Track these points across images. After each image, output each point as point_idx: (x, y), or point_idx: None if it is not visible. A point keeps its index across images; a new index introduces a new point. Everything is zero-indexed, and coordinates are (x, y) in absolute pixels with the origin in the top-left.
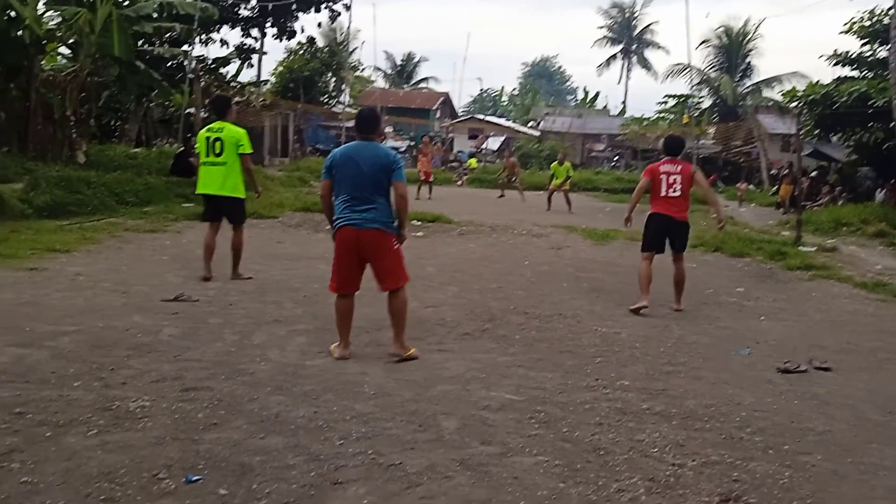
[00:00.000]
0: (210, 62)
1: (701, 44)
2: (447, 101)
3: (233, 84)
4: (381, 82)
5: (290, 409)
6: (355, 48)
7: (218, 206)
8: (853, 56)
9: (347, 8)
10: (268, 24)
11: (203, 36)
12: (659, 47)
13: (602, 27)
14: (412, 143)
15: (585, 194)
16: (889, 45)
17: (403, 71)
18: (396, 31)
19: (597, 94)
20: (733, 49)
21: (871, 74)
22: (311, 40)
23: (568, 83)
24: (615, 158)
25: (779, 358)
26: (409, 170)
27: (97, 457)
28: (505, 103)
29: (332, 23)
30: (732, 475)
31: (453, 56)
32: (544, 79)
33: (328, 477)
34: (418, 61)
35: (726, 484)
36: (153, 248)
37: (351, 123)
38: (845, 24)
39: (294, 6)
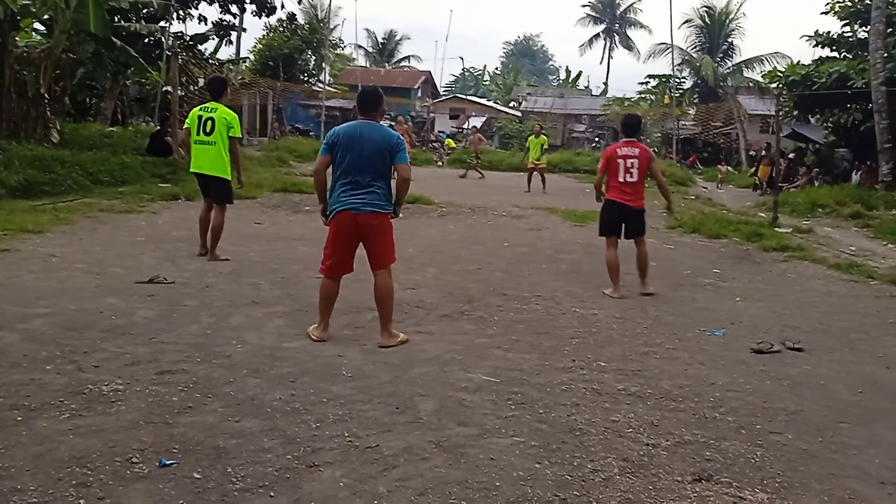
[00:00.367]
0: (188, 39)
1: (683, 23)
2: (429, 81)
3: (211, 61)
4: (361, 60)
5: (266, 392)
6: (336, 25)
7: (206, 184)
8: (834, 37)
9: None
10: (247, 0)
11: (181, 12)
12: (642, 27)
13: (585, 5)
14: (391, 124)
15: (565, 175)
16: (869, 27)
17: (385, 49)
18: (378, 9)
19: (579, 74)
20: (715, 29)
21: (850, 56)
22: (292, 17)
23: (550, 62)
24: (596, 139)
25: (753, 338)
26: None
27: (69, 441)
28: (487, 83)
29: None
30: (705, 454)
31: (435, 34)
32: (527, 58)
33: (304, 460)
34: (400, 39)
35: (699, 463)
36: (128, 228)
37: (331, 102)
38: (826, 4)
39: None
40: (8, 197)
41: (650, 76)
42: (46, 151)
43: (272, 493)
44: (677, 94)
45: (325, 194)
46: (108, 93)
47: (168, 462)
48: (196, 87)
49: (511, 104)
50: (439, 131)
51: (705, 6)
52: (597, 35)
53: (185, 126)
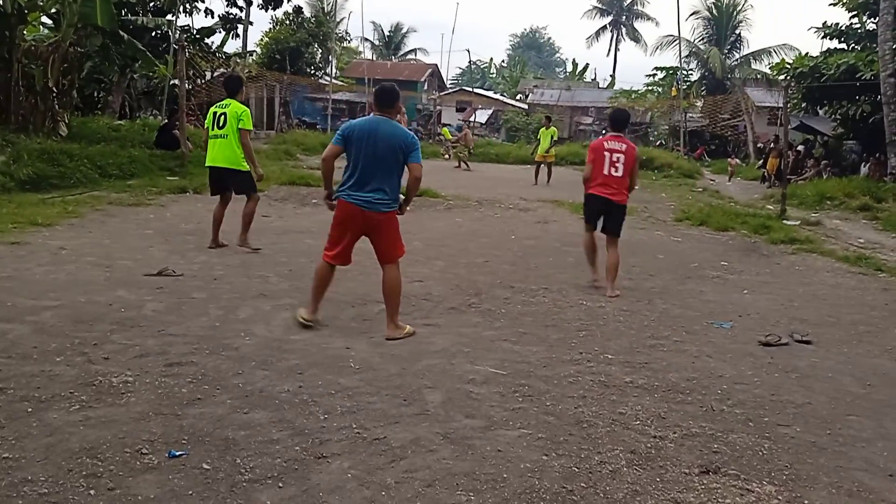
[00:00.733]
0: (195, 32)
1: (691, 15)
2: (435, 73)
3: (218, 55)
4: (368, 54)
5: (274, 384)
6: (342, 18)
7: (221, 178)
8: (842, 28)
9: None
10: None
11: (187, 5)
12: (649, 19)
13: None
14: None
15: (573, 168)
16: (878, 18)
17: (391, 42)
18: (384, 2)
19: (586, 66)
20: (723, 21)
21: (859, 47)
22: (298, 10)
23: (557, 55)
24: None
25: (761, 331)
26: None
27: (79, 432)
28: (493, 76)
29: None
30: (713, 447)
31: (442, 27)
32: (533, 50)
33: (312, 451)
34: (406, 32)
35: (706, 455)
36: (137, 221)
37: (337, 95)
38: None
39: None
40: (17, 190)
41: (657, 68)
42: (55, 145)
43: (280, 484)
44: (684, 87)
45: (331, 181)
46: (115, 86)
47: (177, 453)
48: (203, 81)
49: (518, 97)
50: (446, 124)
51: None
52: (604, 27)
53: (206, 126)
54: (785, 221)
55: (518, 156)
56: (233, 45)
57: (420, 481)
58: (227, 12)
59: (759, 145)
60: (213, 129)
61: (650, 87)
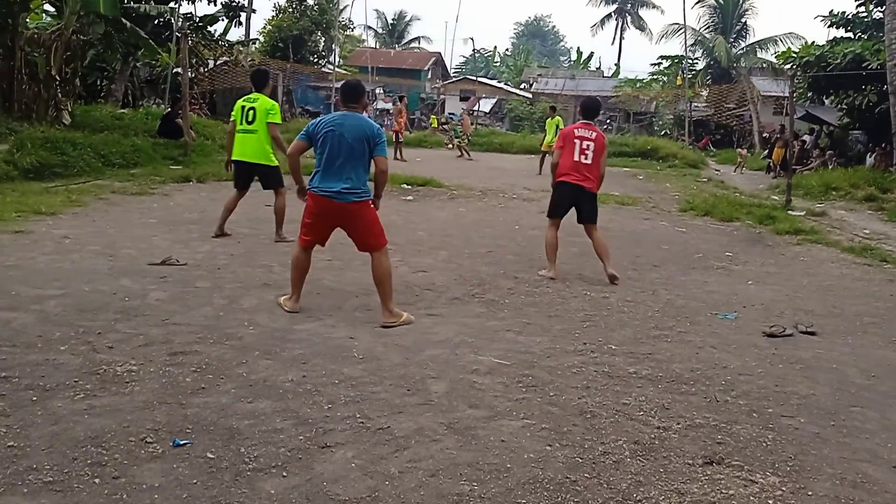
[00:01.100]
0: (197, 20)
1: (696, 3)
2: (439, 62)
3: (221, 43)
4: (371, 42)
5: (278, 374)
6: (345, 6)
7: (249, 173)
8: (848, 17)
9: None
10: None
11: None
12: (654, 6)
13: None
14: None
15: None
16: (885, 6)
17: (394, 30)
18: None
19: (590, 55)
20: (728, 9)
21: (865, 36)
22: None
23: (562, 43)
24: (607, 121)
25: (765, 322)
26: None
27: (84, 421)
28: (497, 64)
29: None
30: (716, 438)
31: (445, 15)
32: (537, 39)
33: (316, 441)
34: (410, 20)
35: (710, 446)
36: (140, 210)
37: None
38: None
39: None
40: (21, 179)
41: (662, 57)
42: (58, 133)
43: (285, 473)
44: (690, 76)
45: (300, 176)
46: (118, 74)
47: (182, 442)
48: (206, 69)
49: (522, 86)
50: (450, 113)
51: None
52: (608, 15)
53: (231, 119)
54: (790, 212)
55: (522, 145)
56: (235, 34)
57: (424, 471)
58: (229, 0)
59: (764, 135)
60: (241, 123)
61: (655, 76)
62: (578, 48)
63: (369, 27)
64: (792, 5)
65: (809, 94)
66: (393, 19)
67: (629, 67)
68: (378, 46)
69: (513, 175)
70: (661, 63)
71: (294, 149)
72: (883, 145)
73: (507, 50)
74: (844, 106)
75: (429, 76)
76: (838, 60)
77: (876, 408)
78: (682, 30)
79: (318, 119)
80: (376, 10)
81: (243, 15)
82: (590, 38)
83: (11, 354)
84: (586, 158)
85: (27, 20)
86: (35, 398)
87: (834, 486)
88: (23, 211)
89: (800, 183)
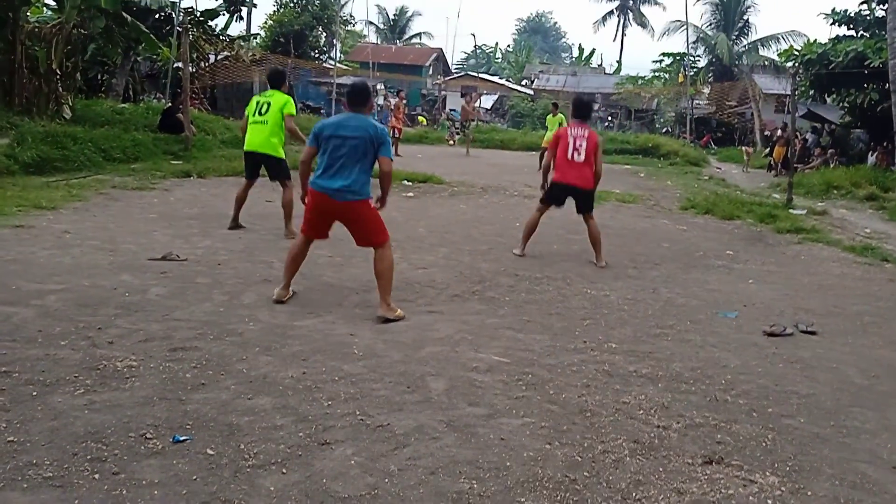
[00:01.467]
0: (198, 14)
1: (698, 0)
2: (440, 58)
3: (222, 38)
4: (372, 37)
5: (278, 370)
6: (347, 1)
7: (257, 163)
8: (851, 15)
9: None
10: None
11: None
12: (656, 3)
13: None
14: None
15: None
16: (887, 5)
17: (396, 26)
18: None
19: (592, 52)
20: (731, 6)
21: (868, 34)
22: None
23: (563, 40)
24: (609, 118)
25: (766, 321)
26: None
27: (84, 416)
28: (499, 60)
29: None
30: (716, 437)
31: (447, 11)
32: (539, 35)
33: (316, 437)
34: (411, 16)
35: (710, 446)
36: (141, 205)
37: (342, 79)
38: None
39: None
40: (21, 173)
41: (664, 54)
42: (59, 128)
43: (284, 470)
44: (691, 73)
45: (307, 182)
46: (119, 69)
47: (182, 438)
48: (207, 64)
49: (523, 82)
50: (451, 109)
51: None
52: (610, 12)
53: (245, 115)
54: (791, 210)
55: (523, 142)
56: (237, 28)
57: (423, 468)
58: None
59: (766, 133)
60: (254, 115)
61: (657, 74)
62: (580, 45)
63: (371, 22)
64: (794, 3)
65: (811, 92)
66: (394, 15)
67: (631, 64)
68: (379, 42)
69: (514, 172)
70: (662, 60)
71: (305, 155)
72: (885, 144)
73: (508, 46)
74: (846, 104)
75: (430, 72)
76: (840, 58)
77: (876, 408)
78: (685, 27)
79: (324, 121)
80: (378, 6)
81: (244, 10)
82: (592, 35)
83: (11, 349)
84: (579, 156)
85: (28, 14)
86: (35, 393)
87: (833, 486)
88: (23, 205)
89: (801, 181)
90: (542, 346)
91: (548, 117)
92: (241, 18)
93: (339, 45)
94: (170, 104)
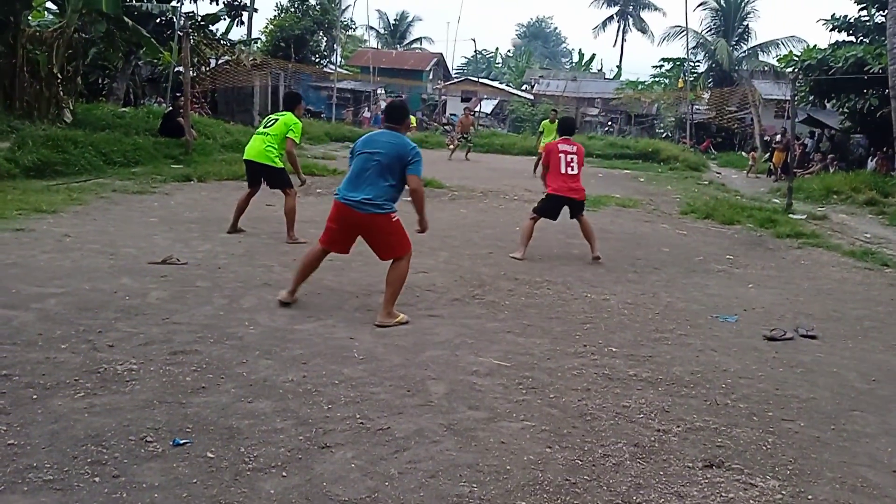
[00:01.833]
0: (199, 19)
1: (698, 6)
2: (441, 63)
3: (222, 42)
4: (373, 42)
5: (278, 374)
6: (347, 6)
7: (255, 172)
8: (851, 21)
9: None
10: None
11: None
12: (656, 9)
13: None
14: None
15: None
16: (887, 11)
17: (396, 31)
18: None
19: (592, 57)
20: (731, 12)
21: (867, 40)
22: None
23: (563, 45)
24: (609, 123)
25: (766, 325)
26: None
27: (84, 419)
28: (499, 65)
29: None
30: (716, 441)
31: (447, 16)
32: (539, 40)
33: (316, 441)
34: (412, 21)
35: (710, 450)
36: (141, 209)
37: (342, 84)
38: None
39: None
40: (22, 177)
41: (664, 59)
42: (59, 132)
43: (284, 474)
44: (691, 78)
45: None
46: (120, 73)
47: (182, 441)
48: (207, 68)
49: (523, 87)
50: (451, 114)
51: None
52: (610, 17)
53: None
54: (791, 215)
55: (523, 146)
56: (237, 33)
57: (423, 472)
58: None
59: (765, 138)
60: (261, 127)
61: (657, 79)
62: (580, 50)
63: (371, 27)
64: (794, 9)
65: (811, 98)
66: (395, 20)
67: (631, 69)
68: (380, 47)
69: (514, 176)
70: (662, 65)
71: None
72: (884, 149)
73: (508, 51)
74: (846, 110)
75: (430, 77)
76: (840, 64)
77: (876, 412)
78: (684, 32)
79: (361, 138)
80: (378, 11)
81: (245, 14)
82: (592, 40)
83: (12, 352)
84: (572, 170)
85: (29, 18)
86: (35, 396)
87: (834, 490)
88: (24, 209)
89: (801, 186)
90: (543, 350)
91: (545, 122)
92: (242, 23)
93: (339, 50)
94: (170, 108)
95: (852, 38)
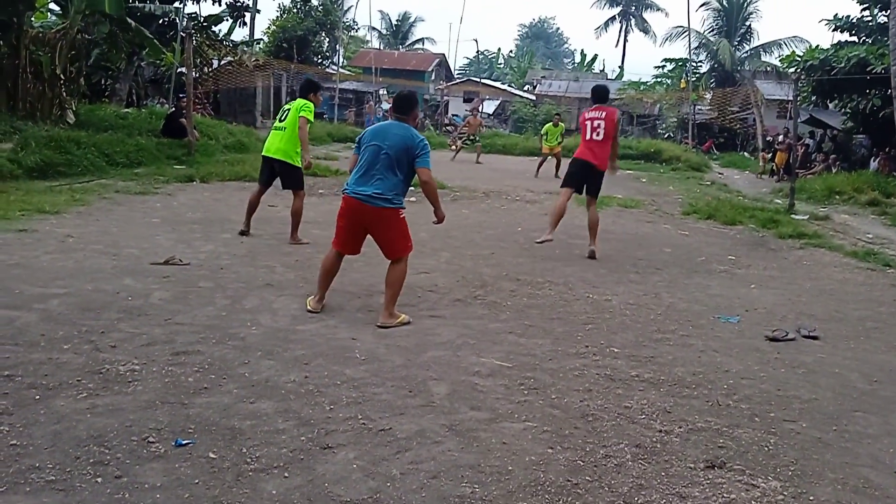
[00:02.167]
0: (202, 20)
1: (701, 6)
2: (443, 63)
3: (225, 43)
4: (375, 43)
5: (280, 374)
6: (350, 7)
7: (272, 169)
8: (853, 21)
9: None
10: None
11: None
12: (658, 9)
13: None
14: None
15: None
16: (889, 11)
17: (399, 31)
18: None
19: (594, 57)
20: (733, 12)
21: (870, 40)
22: None
23: (565, 45)
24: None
25: (768, 326)
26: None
27: (86, 420)
28: (501, 66)
29: None
30: (718, 442)
31: (450, 16)
32: (541, 41)
33: (318, 441)
34: (414, 22)
35: (712, 450)
36: (144, 210)
37: (344, 85)
38: None
39: None
40: (25, 177)
41: (666, 60)
42: (62, 132)
43: (286, 474)
44: (694, 79)
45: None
46: (122, 74)
47: (184, 442)
48: (210, 69)
49: (525, 88)
50: (453, 114)
51: None
52: (612, 18)
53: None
54: (793, 216)
55: (525, 147)
56: (240, 34)
57: (425, 473)
58: (234, 0)
59: (768, 139)
60: (274, 121)
61: (659, 79)
62: (582, 50)
63: (373, 28)
64: (796, 9)
65: (813, 98)
66: (397, 20)
67: (633, 70)
68: (382, 47)
69: (515, 177)
70: (664, 66)
71: (351, 163)
72: (887, 149)
73: (510, 52)
74: (848, 110)
75: (432, 77)
76: (842, 64)
77: (878, 413)
78: (687, 33)
79: (367, 129)
80: (380, 11)
81: (248, 15)
82: (594, 41)
83: (14, 353)
84: (598, 136)
85: (32, 19)
86: (38, 397)
87: (836, 491)
88: (27, 209)
89: (803, 187)
90: (544, 351)
91: (548, 126)
92: (245, 24)
93: (341, 51)
94: (173, 109)
95: (855, 39)
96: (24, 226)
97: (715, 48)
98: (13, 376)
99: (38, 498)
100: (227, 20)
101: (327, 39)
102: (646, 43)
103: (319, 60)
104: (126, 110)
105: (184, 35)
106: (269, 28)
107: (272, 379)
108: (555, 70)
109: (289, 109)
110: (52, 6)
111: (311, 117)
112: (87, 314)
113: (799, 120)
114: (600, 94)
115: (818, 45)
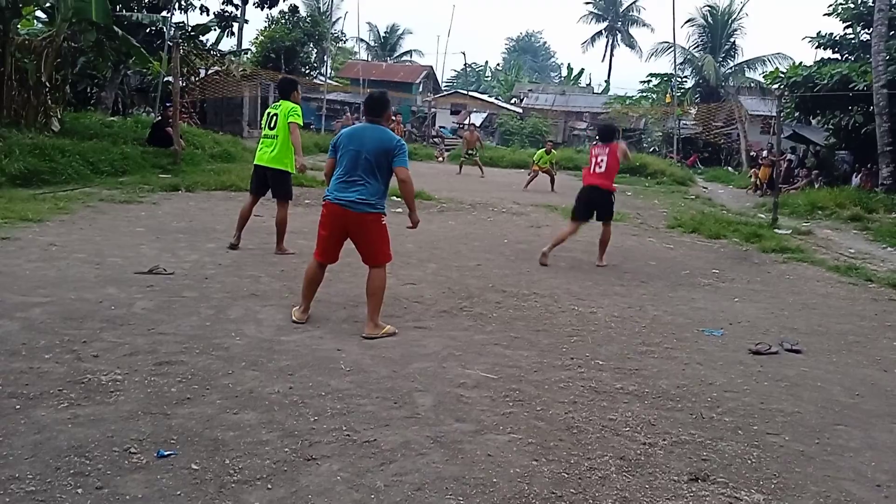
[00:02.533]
0: (189, 29)
1: (686, 22)
2: (430, 76)
3: (212, 52)
4: (363, 54)
5: (264, 385)
6: (338, 18)
7: (264, 178)
8: (836, 38)
9: None
10: None
11: (182, 2)
12: (644, 25)
13: (588, 3)
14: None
15: (566, 173)
16: (871, 29)
17: (387, 43)
18: (380, 2)
19: (581, 71)
20: (718, 29)
21: (852, 58)
22: (294, 9)
23: (552, 59)
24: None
25: (751, 339)
26: None
27: (68, 430)
28: (489, 79)
29: None
30: (702, 454)
31: (438, 29)
32: (529, 54)
33: (302, 453)
34: (402, 34)
35: (696, 463)
36: (128, 219)
37: (332, 96)
38: (829, 6)
39: None
40: (8, 185)
41: (652, 75)
42: (47, 140)
43: (269, 486)
44: (679, 94)
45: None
46: (108, 82)
47: (166, 453)
48: (197, 78)
49: (512, 100)
50: (440, 127)
51: (708, 6)
52: (599, 33)
53: (261, 126)
54: (776, 230)
55: (512, 160)
56: (228, 43)
57: (409, 485)
58: (222, 10)
59: (752, 154)
60: (265, 129)
61: (644, 94)
62: (569, 64)
63: (361, 40)
64: (780, 27)
65: (796, 114)
66: (385, 32)
67: (619, 84)
68: (370, 59)
69: (502, 189)
70: (650, 81)
71: (327, 168)
72: (869, 165)
73: (498, 65)
74: (831, 126)
75: (420, 89)
76: (825, 81)
77: (860, 426)
78: (672, 48)
79: (341, 132)
80: (369, 23)
81: (236, 25)
82: (580, 55)
83: None
84: (600, 168)
85: (18, 26)
86: (18, 406)
87: (818, 503)
88: (9, 217)
89: (786, 202)
90: (530, 363)
91: (540, 151)
92: (233, 34)
93: (329, 62)
94: (159, 118)
95: (837, 56)
96: (6, 234)
97: (700, 64)
98: None
99: None
100: (215, 30)
101: (315, 50)
102: (632, 58)
103: (307, 71)
104: (112, 119)
105: (171, 44)
106: (257, 38)
107: (256, 390)
108: (542, 83)
109: (275, 115)
110: (39, 14)
111: (301, 121)
112: (70, 323)
113: (782, 136)
114: (603, 134)
115: (801, 62)
